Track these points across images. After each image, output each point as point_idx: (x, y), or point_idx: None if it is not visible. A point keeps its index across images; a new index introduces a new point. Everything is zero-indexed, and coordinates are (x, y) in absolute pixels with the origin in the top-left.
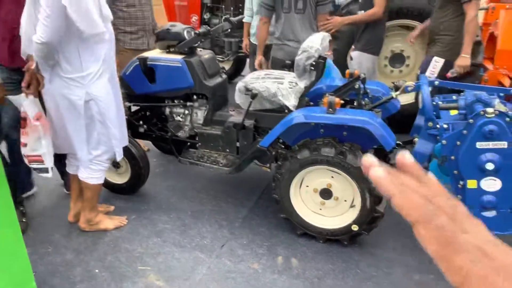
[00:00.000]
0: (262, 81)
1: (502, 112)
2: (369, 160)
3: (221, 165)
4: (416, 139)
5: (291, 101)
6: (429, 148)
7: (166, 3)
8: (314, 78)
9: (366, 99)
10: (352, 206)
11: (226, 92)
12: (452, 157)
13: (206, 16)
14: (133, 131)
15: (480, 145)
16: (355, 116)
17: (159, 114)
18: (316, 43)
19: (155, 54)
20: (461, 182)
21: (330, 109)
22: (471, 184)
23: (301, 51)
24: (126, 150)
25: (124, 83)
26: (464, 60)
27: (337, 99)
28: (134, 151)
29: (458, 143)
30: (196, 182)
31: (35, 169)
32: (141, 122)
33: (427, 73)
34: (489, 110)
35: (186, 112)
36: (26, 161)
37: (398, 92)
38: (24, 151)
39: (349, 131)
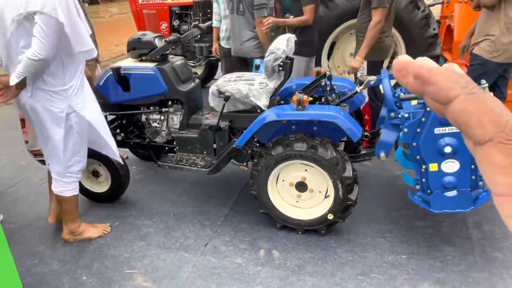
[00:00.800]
0: (234, 83)
1: None
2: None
3: (199, 166)
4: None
5: (262, 101)
6: (393, 137)
7: (135, 12)
8: (283, 78)
9: (333, 95)
10: (326, 196)
11: (200, 96)
12: (414, 144)
13: (176, 23)
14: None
15: (438, 130)
16: (322, 111)
17: (135, 122)
18: (282, 44)
19: (128, 63)
20: (424, 166)
21: (299, 106)
22: (433, 167)
23: (268, 52)
24: (104, 159)
25: (99, 93)
26: (355, 62)
27: (305, 96)
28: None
29: (418, 130)
30: (176, 186)
31: (39, 161)
32: (118, 131)
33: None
34: None
35: (162, 118)
36: (31, 156)
37: (361, 87)
38: (27, 147)
39: (318, 126)
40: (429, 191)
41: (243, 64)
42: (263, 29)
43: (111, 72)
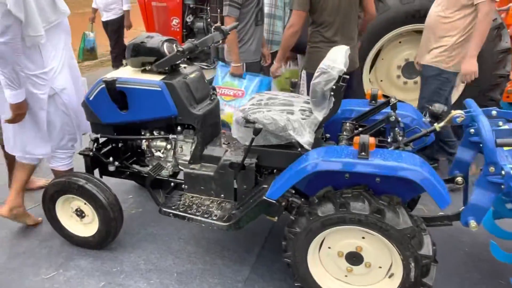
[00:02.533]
0: (266, 109)
1: None
2: None
3: (215, 218)
4: (459, 179)
5: (305, 137)
6: (490, 200)
7: (142, 4)
8: (332, 105)
9: (396, 129)
10: (389, 275)
11: (218, 120)
12: None
13: (189, 19)
14: (101, 169)
15: None
16: (397, 162)
17: (134, 148)
18: (338, 61)
19: (126, 74)
20: None
21: (363, 153)
22: None
23: (318, 72)
24: (91, 196)
25: (88, 110)
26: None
27: (371, 140)
28: (102, 197)
29: None
30: (183, 228)
31: None
32: (111, 159)
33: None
34: None
35: (168, 146)
36: None
37: (442, 124)
38: None
39: (383, 177)
40: None
41: None
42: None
43: (103, 85)
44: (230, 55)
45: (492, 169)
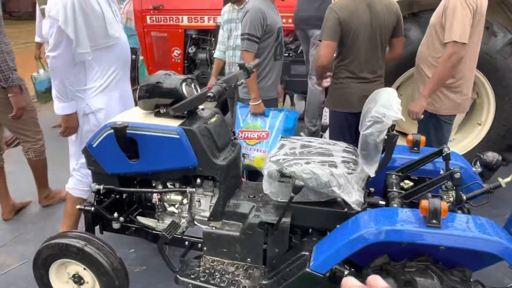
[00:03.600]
0: (303, 161)
1: None
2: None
3: None
4: None
5: (353, 196)
6: None
7: (141, 34)
8: (384, 158)
9: (449, 182)
10: None
11: (239, 170)
12: None
13: (191, 49)
14: (103, 225)
15: None
16: (477, 233)
17: (142, 200)
18: (395, 108)
19: (137, 118)
20: None
21: (434, 221)
22: None
23: (371, 120)
24: (92, 261)
25: (90, 158)
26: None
27: (444, 205)
28: (106, 262)
29: None
30: None
31: None
32: (115, 214)
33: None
34: None
35: (185, 200)
36: None
37: (509, 179)
38: None
39: (448, 247)
40: None
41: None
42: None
43: (111, 131)
44: (249, 92)
45: None
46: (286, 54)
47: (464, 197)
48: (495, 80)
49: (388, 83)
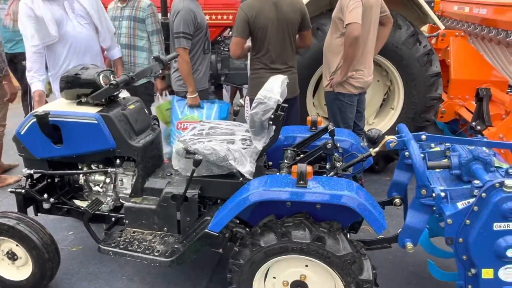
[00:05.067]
0: (207, 139)
1: None
2: None
3: (157, 253)
4: (397, 200)
5: (246, 167)
6: (424, 222)
7: None
8: (272, 134)
9: (335, 153)
10: None
11: (160, 151)
12: (460, 240)
13: None
14: (37, 208)
15: (497, 226)
16: (334, 190)
17: (71, 182)
18: (274, 91)
19: (60, 107)
20: (473, 271)
21: (301, 182)
22: (486, 273)
23: (256, 103)
24: (23, 237)
25: (20, 145)
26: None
27: (309, 168)
28: (36, 237)
29: (468, 222)
30: (126, 265)
31: None
32: (45, 195)
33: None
34: (509, 182)
35: (108, 180)
36: None
37: (376, 149)
38: None
39: (323, 204)
40: None
41: None
42: None
43: (34, 120)
44: (186, 86)
45: (424, 191)
46: (226, 49)
47: (338, 165)
48: (402, 68)
49: (309, 73)
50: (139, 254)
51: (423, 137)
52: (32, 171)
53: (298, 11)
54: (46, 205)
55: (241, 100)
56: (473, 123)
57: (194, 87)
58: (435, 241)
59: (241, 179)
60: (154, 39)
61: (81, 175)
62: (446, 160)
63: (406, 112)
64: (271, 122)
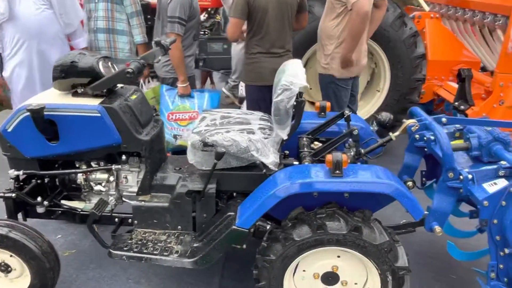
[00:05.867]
0: (223, 130)
1: None
2: None
3: (176, 254)
4: (409, 183)
5: (270, 158)
6: (451, 205)
7: None
8: (294, 122)
9: (350, 140)
10: None
11: (164, 144)
12: (495, 221)
13: None
14: (26, 212)
15: None
16: (371, 177)
17: (67, 183)
18: (300, 76)
19: (54, 99)
20: (506, 250)
21: (338, 171)
22: None
23: (281, 89)
24: (19, 246)
25: (5, 143)
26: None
27: (344, 157)
28: (34, 246)
29: (504, 203)
30: (129, 266)
31: None
32: (39, 199)
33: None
34: None
35: (111, 178)
36: None
37: (397, 133)
38: None
39: (351, 193)
40: (507, 280)
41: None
42: None
43: (27, 114)
44: (173, 72)
45: (451, 174)
46: (202, 33)
47: (363, 151)
48: (389, 50)
49: (297, 57)
50: (157, 257)
51: (444, 119)
52: (21, 172)
53: None
54: (40, 209)
55: (224, 89)
56: (456, 103)
57: (185, 76)
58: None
59: (264, 170)
60: (134, 22)
61: (80, 174)
62: (462, 141)
63: (392, 94)
64: (293, 110)
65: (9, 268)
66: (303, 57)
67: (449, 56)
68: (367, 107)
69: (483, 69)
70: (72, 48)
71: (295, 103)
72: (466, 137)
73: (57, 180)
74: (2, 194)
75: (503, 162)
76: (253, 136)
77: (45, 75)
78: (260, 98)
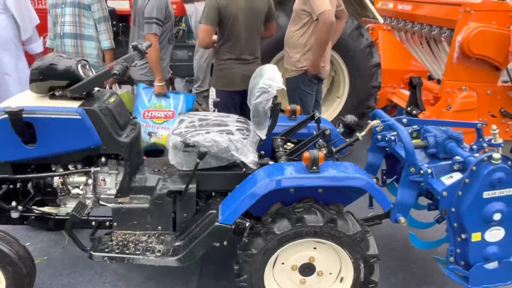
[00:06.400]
0: (203, 131)
1: (504, 156)
2: None
3: (159, 254)
4: (374, 180)
5: (250, 157)
6: (413, 197)
7: None
8: (270, 123)
9: (321, 140)
10: (340, 279)
11: (141, 146)
12: (453, 209)
13: None
14: (4, 216)
15: (487, 194)
16: (345, 172)
17: (41, 187)
18: (278, 79)
19: (31, 101)
20: (463, 236)
21: (314, 167)
22: (476, 237)
23: (259, 91)
24: None
25: None
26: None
27: (321, 154)
28: (10, 251)
29: (460, 193)
30: (105, 271)
31: None
32: (14, 203)
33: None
34: (496, 156)
35: (90, 181)
36: None
37: (363, 133)
38: None
39: (326, 188)
40: (464, 263)
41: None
42: None
43: (3, 117)
44: (149, 74)
45: (413, 169)
46: None
47: (334, 150)
48: (347, 59)
49: (264, 63)
50: (140, 257)
51: (404, 120)
52: None
53: (266, 1)
54: (14, 214)
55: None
56: (408, 108)
57: (162, 75)
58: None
59: (244, 169)
60: (102, 28)
61: (56, 177)
62: (419, 140)
63: (351, 100)
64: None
65: None
66: (271, 62)
67: (400, 65)
68: (329, 111)
69: (430, 77)
70: (26, 53)
71: (272, 105)
72: (423, 136)
73: (30, 184)
74: None
75: (457, 157)
76: (233, 137)
77: None
78: (230, 103)
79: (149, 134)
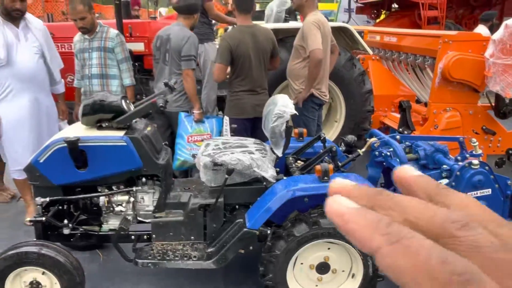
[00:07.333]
0: (228, 152)
1: (482, 162)
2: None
3: (195, 259)
4: None
5: (269, 172)
6: None
7: None
8: (284, 143)
9: (327, 157)
10: (352, 275)
11: (172, 168)
12: None
13: None
14: (53, 234)
15: (470, 194)
16: (354, 181)
17: (88, 206)
18: (290, 106)
19: (84, 132)
20: None
21: (326, 178)
22: None
23: (275, 116)
24: (53, 263)
25: (35, 173)
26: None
27: (330, 166)
28: (65, 261)
29: None
30: (140, 281)
31: None
32: (65, 221)
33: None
34: (475, 162)
35: (132, 199)
36: None
37: (364, 149)
38: None
39: None
40: None
41: (165, 119)
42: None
43: (62, 145)
44: (181, 106)
45: None
46: None
47: (339, 164)
48: (343, 87)
49: (270, 93)
50: (179, 262)
51: (398, 137)
52: (47, 199)
53: (270, 40)
54: (66, 231)
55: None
56: (400, 129)
57: (200, 104)
58: None
59: (264, 183)
60: (124, 67)
61: (103, 197)
62: (411, 154)
63: (347, 123)
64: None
65: (40, 286)
66: (274, 93)
67: (390, 91)
68: (328, 135)
69: (417, 101)
70: (52, 94)
71: (285, 127)
72: (415, 150)
73: (79, 204)
74: (34, 219)
75: (444, 166)
76: (254, 156)
77: (35, 117)
78: (243, 128)
79: (193, 156)
